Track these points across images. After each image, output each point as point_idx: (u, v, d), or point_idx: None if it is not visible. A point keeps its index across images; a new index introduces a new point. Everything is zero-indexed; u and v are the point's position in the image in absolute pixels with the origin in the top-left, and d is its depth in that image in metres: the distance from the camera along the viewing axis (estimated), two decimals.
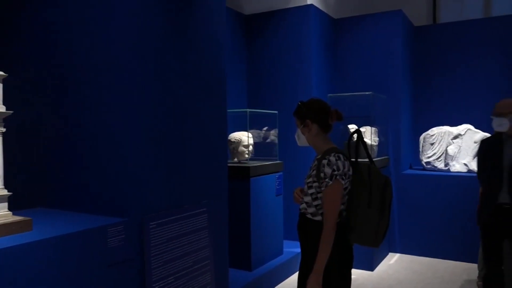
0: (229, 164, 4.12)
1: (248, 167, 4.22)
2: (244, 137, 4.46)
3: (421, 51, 6.23)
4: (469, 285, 4.44)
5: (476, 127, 5.50)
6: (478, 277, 4.31)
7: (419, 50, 6.24)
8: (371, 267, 4.89)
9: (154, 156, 2.63)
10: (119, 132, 2.51)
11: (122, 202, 2.49)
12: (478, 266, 4.31)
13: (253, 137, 4.77)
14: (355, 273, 4.81)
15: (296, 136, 2.56)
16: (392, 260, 5.31)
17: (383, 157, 5.39)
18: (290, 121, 2.66)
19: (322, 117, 2.42)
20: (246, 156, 4.48)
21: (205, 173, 3.07)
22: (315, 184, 2.34)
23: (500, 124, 3.17)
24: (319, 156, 2.38)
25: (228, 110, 3.95)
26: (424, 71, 6.23)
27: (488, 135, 5.29)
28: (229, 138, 4.49)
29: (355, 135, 2.45)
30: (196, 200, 2.97)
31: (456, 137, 5.48)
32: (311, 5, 5.23)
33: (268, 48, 5.53)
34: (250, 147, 4.50)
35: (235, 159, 4.53)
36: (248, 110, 4.44)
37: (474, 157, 5.36)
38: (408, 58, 5.93)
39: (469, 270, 4.83)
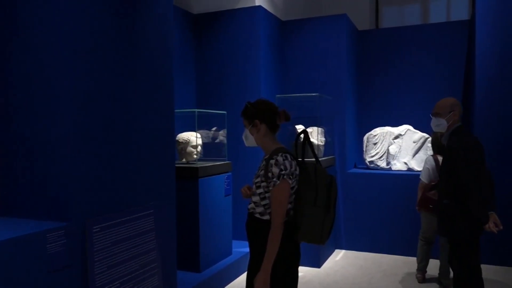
0: (177, 165, 4.07)
1: (197, 167, 4.18)
2: (193, 138, 4.42)
3: (365, 54, 6.48)
4: (409, 277, 4.66)
5: (415, 128, 5.80)
6: (417, 269, 4.55)
7: (363, 53, 6.48)
8: (318, 264, 5.01)
9: (95, 157, 2.54)
10: (56, 133, 2.40)
11: (63, 206, 2.38)
12: (417, 259, 4.55)
13: (202, 137, 4.74)
14: (303, 270, 4.91)
15: (244, 137, 2.57)
16: (338, 257, 5.47)
17: (329, 157, 5.54)
18: (239, 122, 2.67)
19: (271, 117, 2.45)
20: (195, 156, 4.44)
21: (151, 174, 3.01)
22: (263, 184, 2.36)
23: (438, 125, 3.29)
24: (267, 156, 2.41)
25: (176, 110, 3.89)
26: (368, 74, 6.48)
27: (426, 135, 5.61)
28: (177, 138, 4.43)
29: (302, 136, 2.51)
30: (142, 202, 2.90)
31: (397, 137, 5.74)
32: (260, 6, 5.27)
33: (217, 48, 5.51)
34: (199, 148, 4.47)
35: (183, 160, 4.48)
36: (196, 110, 4.40)
37: (413, 156, 5.65)
38: (352, 61, 6.14)
39: (410, 263, 5.08)
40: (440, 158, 4.23)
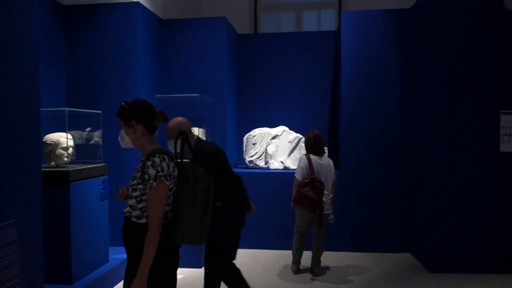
0: (44, 169, 3.72)
1: (67, 171, 3.87)
2: (63, 139, 4.08)
3: (245, 57, 6.69)
4: (285, 270, 4.95)
5: (290, 128, 6.18)
6: (293, 262, 4.85)
7: (242, 57, 6.69)
8: (200, 264, 5.03)
9: None
10: None
11: None
12: (292, 252, 4.85)
13: (74, 138, 4.40)
14: (184, 271, 4.88)
15: (119, 138, 2.47)
16: None
17: None
18: (115, 122, 2.54)
19: (148, 117, 2.39)
20: (65, 159, 4.10)
21: (13, 180, 2.70)
22: (139, 186, 2.29)
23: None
24: (143, 158, 2.34)
25: (44, 110, 3.56)
26: (248, 76, 6.71)
27: (300, 136, 6.02)
28: (44, 140, 4.05)
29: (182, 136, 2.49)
30: (2, 211, 2.59)
31: (274, 137, 6.05)
32: (138, 2, 5.09)
33: (91, 44, 5.18)
34: (70, 150, 4.14)
35: (52, 163, 4.11)
36: (67, 109, 4.07)
37: (289, 155, 6.01)
38: (232, 63, 6.29)
39: (286, 256, 5.38)
40: (312, 157, 4.58)
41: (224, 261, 3.46)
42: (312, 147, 4.66)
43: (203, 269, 5.00)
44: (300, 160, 4.64)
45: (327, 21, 7.58)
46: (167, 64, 5.86)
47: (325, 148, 5.45)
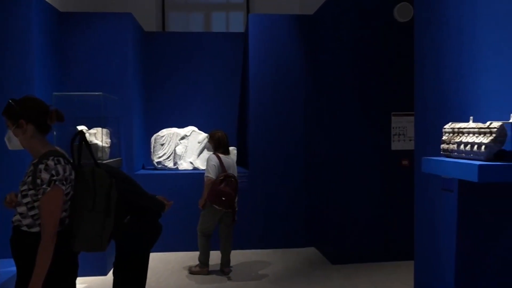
0: None
1: None
2: None
3: (152, 56, 6.51)
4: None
5: (199, 129, 6.15)
6: (202, 263, 4.82)
7: (150, 55, 6.49)
8: (104, 271, 4.79)
9: None
10: None
11: None
12: (202, 254, 4.82)
13: None
14: (87, 280, 4.61)
15: (6, 139, 2.25)
16: None
17: (115, 159, 5.34)
18: (1, 122, 2.31)
19: (39, 117, 2.22)
20: None
21: None
22: (31, 192, 2.11)
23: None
24: (35, 161, 2.16)
25: None
26: (155, 75, 6.54)
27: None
28: None
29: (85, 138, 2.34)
30: None
31: (183, 138, 5.98)
32: None
33: None
34: None
35: None
36: None
37: (198, 156, 5.97)
38: (139, 61, 6.08)
39: (195, 257, 5.31)
40: (221, 156, 4.64)
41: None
42: (220, 147, 4.74)
43: (108, 276, 4.79)
44: (210, 159, 4.66)
45: (235, 23, 7.68)
46: (67, 60, 5.47)
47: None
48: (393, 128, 5.23)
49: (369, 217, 5.23)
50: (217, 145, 4.77)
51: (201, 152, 6.01)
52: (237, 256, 5.42)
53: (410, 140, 5.13)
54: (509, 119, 2.31)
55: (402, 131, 5.23)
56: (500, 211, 2.44)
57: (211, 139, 4.82)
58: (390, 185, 5.23)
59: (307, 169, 5.90)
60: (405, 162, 5.17)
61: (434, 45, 3.20)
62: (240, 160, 6.35)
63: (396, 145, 5.23)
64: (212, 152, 4.80)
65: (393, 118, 5.23)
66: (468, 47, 2.72)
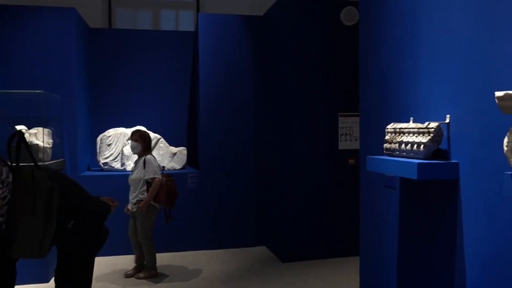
0: None
1: None
2: None
3: (98, 53, 6.27)
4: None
5: (148, 129, 5.98)
6: (153, 268, 4.69)
7: (95, 52, 6.26)
8: (46, 278, 4.57)
9: None
10: None
11: None
12: (154, 259, 4.69)
13: None
14: None
15: None
16: None
17: (58, 160, 5.10)
18: None
19: None
20: None
21: None
22: None
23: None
24: None
25: None
26: (101, 73, 6.31)
27: (158, 136, 5.91)
28: None
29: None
30: None
31: (130, 138, 5.80)
32: None
33: None
34: None
35: None
36: None
37: None
38: (83, 59, 5.85)
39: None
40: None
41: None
42: (150, 147, 4.75)
43: (50, 283, 4.56)
44: (152, 161, 4.60)
45: (185, 22, 7.58)
46: (6, 56, 5.15)
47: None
48: (340, 128, 5.39)
49: (318, 215, 5.35)
50: (148, 145, 4.69)
51: None
52: (188, 257, 5.36)
53: (356, 140, 5.30)
54: (445, 119, 2.45)
55: (349, 131, 5.40)
56: (438, 207, 2.59)
57: (142, 139, 4.62)
58: (338, 184, 5.38)
59: (257, 168, 5.95)
60: (351, 161, 5.34)
61: (377, 48, 3.34)
62: (191, 161, 6.29)
63: (343, 145, 5.40)
64: (138, 152, 4.64)
65: (340, 118, 5.39)
66: (409, 52, 2.86)
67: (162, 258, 4.80)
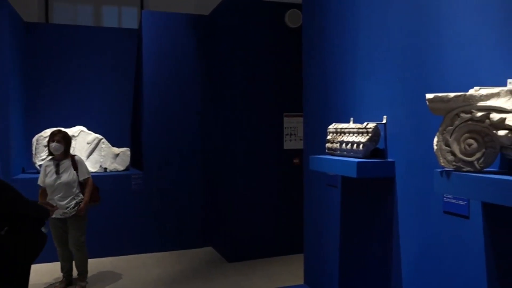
0: None
1: None
2: None
3: (33, 49, 5.95)
4: (93, 279, 4.60)
5: (89, 129, 5.78)
6: (83, 272, 4.48)
7: (31, 48, 5.93)
8: None
9: None
10: None
11: None
12: (86, 265, 4.46)
13: None
14: None
15: None
16: None
17: None
18: None
19: None
20: None
21: None
22: None
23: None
24: None
25: None
26: (37, 70, 5.99)
27: (100, 136, 5.70)
28: None
29: None
30: None
31: (51, 139, 5.53)
32: None
33: None
34: None
35: None
36: None
37: (88, 157, 5.61)
38: (17, 55, 5.53)
39: (99, 264, 4.99)
40: None
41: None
42: (69, 149, 4.47)
43: None
44: (82, 160, 4.48)
45: (128, 19, 7.38)
46: None
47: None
48: (285, 128, 5.49)
49: (263, 214, 5.41)
50: (69, 147, 4.45)
51: (90, 153, 5.67)
52: (133, 261, 5.23)
53: (301, 140, 5.42)
54: (382, 120, 2.58)
55: (294, 131, 5.51)
56: (376, 203, 2.72)
57: (65, 140, 4.36)
58: (283, 183, 5.47)
59: (203, 169, 5.91)
60: (296, 161, 5.46)
61: (320, 51, 3.44)
62: (134, 162, 6.13)
63: (288, 145, 5.50)
64: (60, 154, 4.32)
65: (285, 118, 5.48)
66: (350, 55, 2.98)
67: (105, 263, 4.63)
